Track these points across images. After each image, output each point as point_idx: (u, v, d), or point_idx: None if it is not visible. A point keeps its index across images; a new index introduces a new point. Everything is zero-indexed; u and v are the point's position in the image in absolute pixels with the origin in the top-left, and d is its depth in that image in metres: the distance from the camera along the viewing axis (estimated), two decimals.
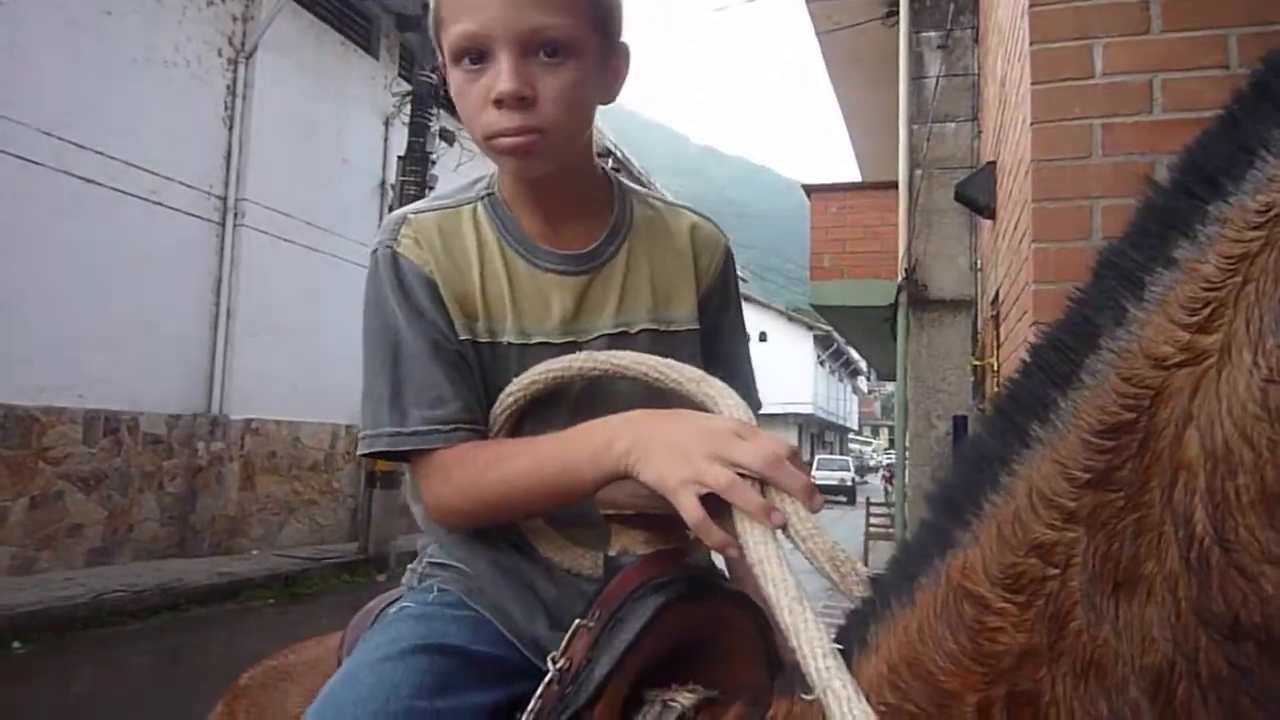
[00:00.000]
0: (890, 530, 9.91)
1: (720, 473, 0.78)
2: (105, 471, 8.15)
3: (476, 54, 0.95)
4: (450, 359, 1.00)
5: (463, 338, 1.01)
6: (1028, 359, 0.57)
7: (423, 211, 1.06)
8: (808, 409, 41.70)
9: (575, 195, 1.08)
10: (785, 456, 0.79)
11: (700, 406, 0.90)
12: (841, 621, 0.71)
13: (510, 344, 1.04)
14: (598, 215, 1.10)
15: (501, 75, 0.93)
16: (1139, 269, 0.50)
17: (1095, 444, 0.50)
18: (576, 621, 0.86)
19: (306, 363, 10.09)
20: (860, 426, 65.55)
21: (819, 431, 48.52)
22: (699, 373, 0.93)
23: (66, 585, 7.03)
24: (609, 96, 1.06)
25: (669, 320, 1.10)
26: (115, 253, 8.07)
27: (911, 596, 0.61)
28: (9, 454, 7.25)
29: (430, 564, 1.11)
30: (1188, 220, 0.48)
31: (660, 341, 1.08)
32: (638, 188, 1.17)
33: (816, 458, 36.36)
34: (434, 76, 9.74)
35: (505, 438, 1.02)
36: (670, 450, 0.82)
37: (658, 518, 0.83)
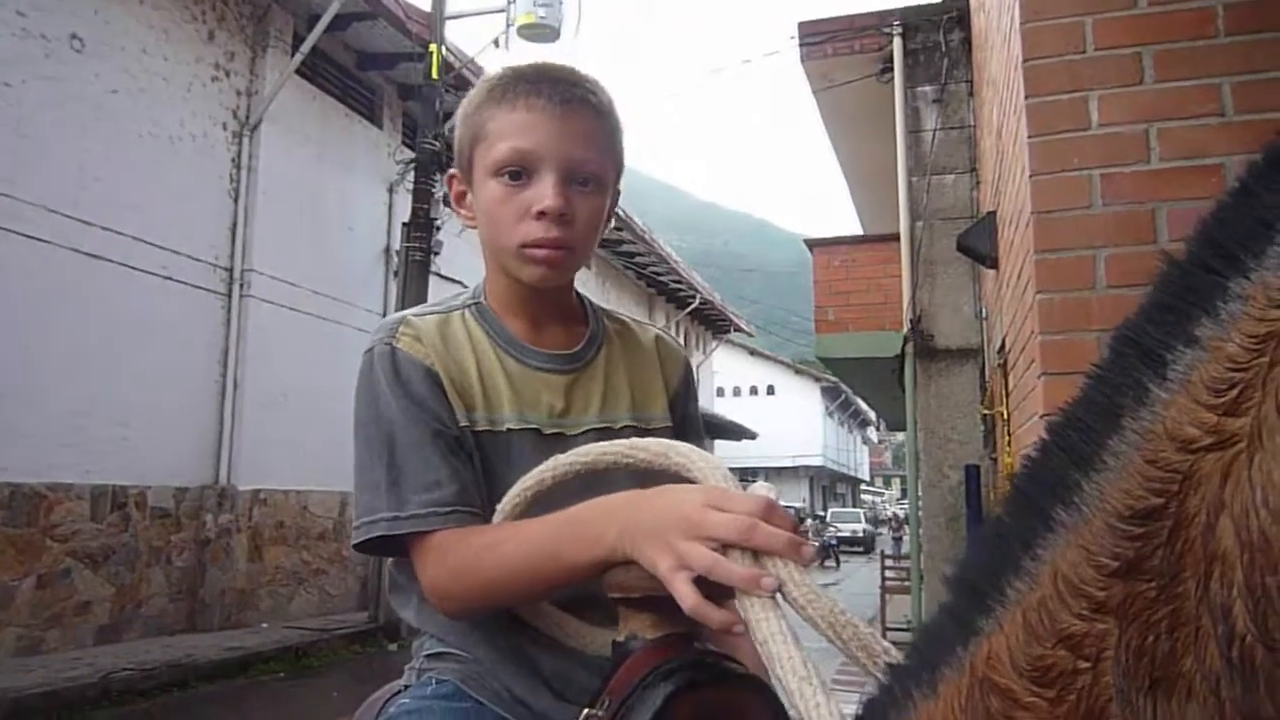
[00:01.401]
0: (906, 583, 9.77)
1: (700, 553, 0.77)
2: (113, 547, 8.09)
3: (519, 171, 1.07)
4: (448, 445, 1.04)
5: (461, 424, 1.06)
6: (1047, 437, 0.54)
7: (418, 315, 1.14)
8: (818, 461, 41.52)
9: (558, 306, 1.19)
10: (760, 516, 0.78)
11: (675, 475, 0.90)
12: (858, 710, 0.67)
13: (510, 430, 1.09)
14: (575, 324, 1.21)
15: (549, 193, 1.05)
16: (1160, 346, 0.47)
17: (1122, 530, 0.47)
18: (585, 711, 0.85)
19: (313, 431, 10.07)
20: (872, 477, 65.17)
21: (830, 483, 48.23)
22: (663, 443, 0.94)
23: (74, 665, 6.94)
24: (607, 230, 1.23)
25: (648, 419, 1.19)
26: (121, 327, 8.11)
27: (934, 686, 0.57)
28: (15, 533, 7.20)
29: (426, 657, 1.11)
30: (1208, 297, 0.45)
31: (641, 437, 1.12)
32: (603, 306, 1.30)
33: (830, 511, 36.33)
34: (436, 143, 9.87)
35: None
36: (652, 537, 0.82)
37: (665, 599, 0.81)
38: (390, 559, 1.11)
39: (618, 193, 1.21)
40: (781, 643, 0.70)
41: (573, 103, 1.08)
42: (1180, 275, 0.48)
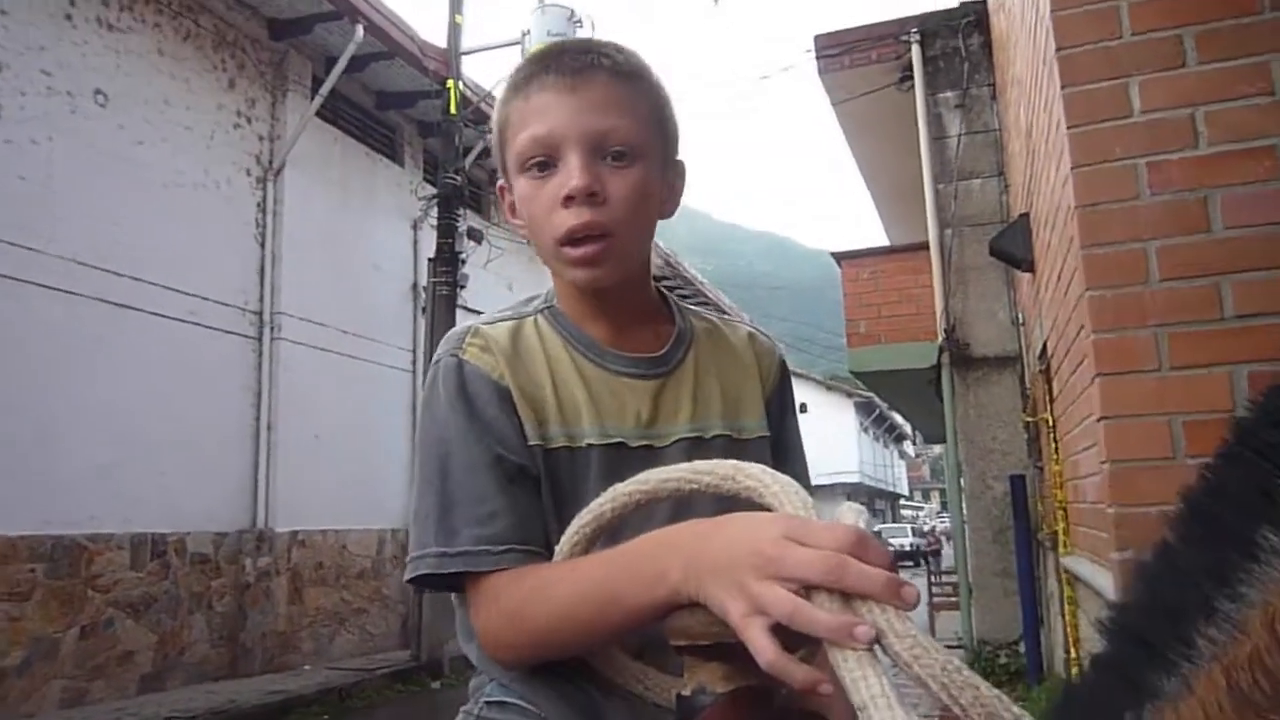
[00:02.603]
0: (953, 599, 9.56)
1: (778, 596, 0.64)
2: (154, 595, 8.08)
3: (544, 159, 0.97)
4: (509, 472, 0.93)
5: (532, 443, 0.95)
6: (1234, 438, 0.42)
7: (489, 323, 1.03)
8: (855, 477, 41.09)
9: (636, 306, 1.07)
10: (850, 550, 0.63)
11: (747, 504, 0.76)
12: None
13: (591, 445, 0.97)
14: (659, 325, 1.08)
15: (572, 173, 0.94)
16: None
17: None
18: None
19: (349, 470, 10.06)
20: (910, 491, 64.42)
21: (869, 499, 47.72)
22: (731, 464, 0.79)
23: (119, 715, 6.92)
24: (667, 211, 1.06)
25: (740, 428, 1.07)
26: (154, 374, 8.14)
27: None
28: (58, 584, 7.20)
29: (487, 703, 0.99)
30: None
31: (734, 448, 1.02)
32: (690, 307, 1.16)
33: (879, 528, 36.10)
34: (458, 178, 9.90)
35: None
36: (721, 577, 0.69)
37: (739, 648, 0.66)
38: (454, 593, 0.99)
39: (678, 165, 1.07)
40: (886, 708, 0.57)
41: (585, 70, 0.97)
42: None
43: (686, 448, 1.00)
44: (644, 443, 1.00)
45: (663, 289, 1.13)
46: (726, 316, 1.19)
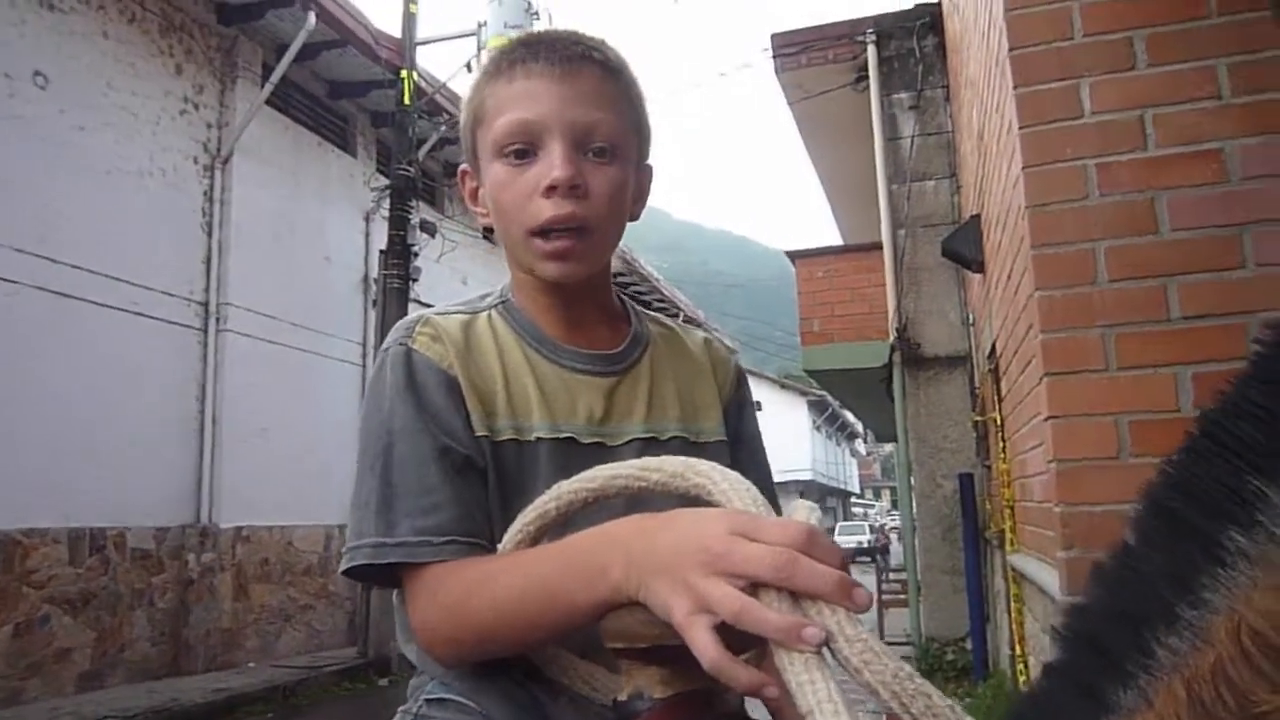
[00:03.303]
0: (902, 596, 9.65)
1: (726, 594, 0.60)
2: (93, 591, 7.88)
3: (524, 147, 0.95)
4: (455, 463, 0.90)
5: (479, 434, 0.93)
6: (1199, 432, 0.39)
7: (441, 314, 1.01)
8: (807, 475, 41.42)
9: (594, 306, 1.06)
10: (801, 547, 0.61)
11: (696, 500, 0.73)
12: None
13: (540, 439, 0.95)
14: (616, 324, 1.07)
15: (556, 164, 0.92)
16: None
17: None
18: None
19: (296, 465, 9.90)
20: (862, 489, 65.09)
21: (821, 497, 48.12)
22: (681, 461, 0.76)
23: (55, 714, 6.73)
24: (636, 213, 1.05)
25: (698, 431, 1.05)
26: (95, 365, 7.94)
27: None
28: None
29: (427, 701, 0.95)
30: None
31: (691, 451, 0.98)
32: (647, 310, 1.16)
33: (838, 525, 36.85)
34: (411, 169, 9.78)
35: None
36: (666, 574, 0.65)
37: (679, 650, 0.63)
38: (395, 590, 0.95)
39: (648, 168, 1.06)
40: (833, 714, 0.54)
41: (575, 61, 0.95)
42: None
43: (640, 448, 0.98)
44: (596, 440, 0.98)
45: (622, 295, 1.12)
46: (682, 323, 1.18)
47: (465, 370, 0.95)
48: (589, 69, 0.96)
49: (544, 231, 0.94)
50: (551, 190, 0.92)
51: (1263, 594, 0.35)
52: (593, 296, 1.05)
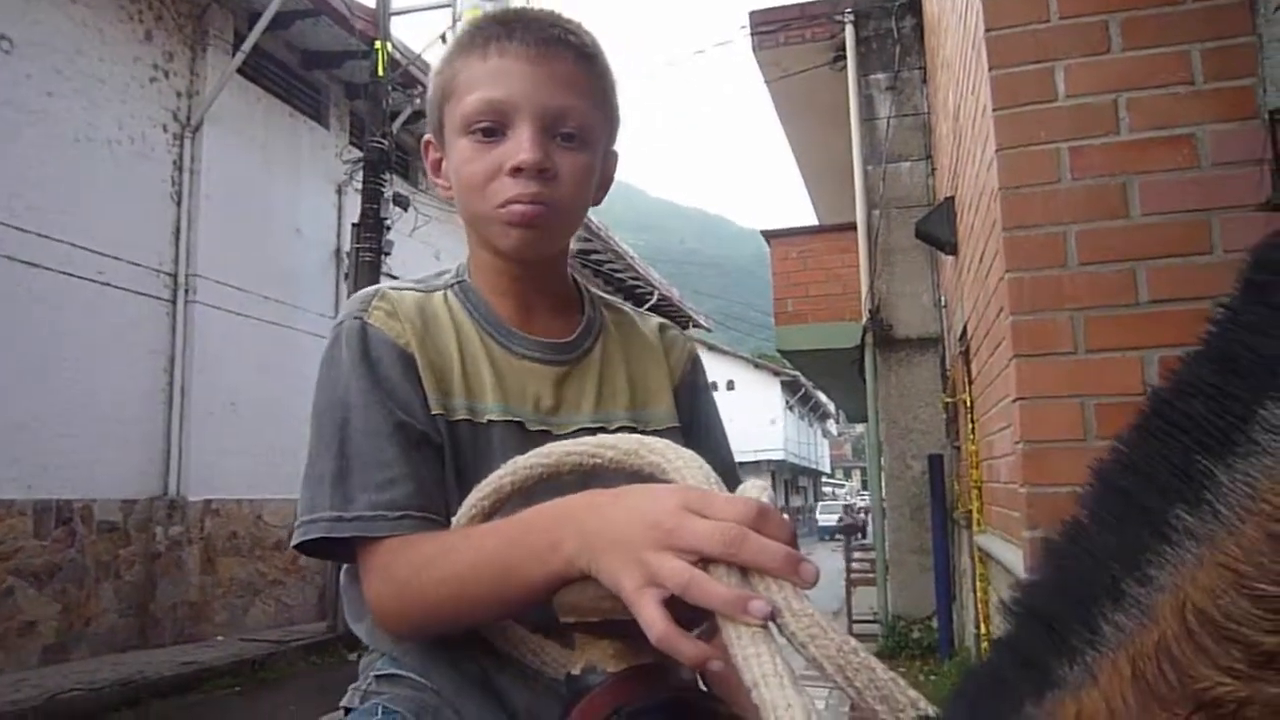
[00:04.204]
0: (870, 575, 9.74)
1: (675, 568, 0.61)
2: (59, 564, 7.81)
3: (492, 125, 0.94)
4: (411, 438, 0.90)
5: (435, 412, 0.93)
6: (1150, 411, 0.40)
7: (397, 289, 1.01)
8: (779, 455, 41.66)
9: (549, 289, 1.06)
10: (750, 523, 0.62)
11: (650, 477, 0.74)
12: None
13: (492, 421, 0.95)
14: (570, 312, 1.07)
15: (524, 145, 0.92)
16: None
17: None
18: None
19: (265, 438, 9.83)
20: (833, 469, 65.57)
21: (792, 477, 48.44)
22: (635, 439, 0.78)
23: (18, 687, 6.67)
24: (599, 198, 1.06)
25: (647, 419, 1.05)
26: (62, 335, 7.83)
27: None
28: None
29: (376, 678, 0.95)
30: None
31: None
32: (601, 294, 1.16)
33: (818, 505, 37.38)
34: (385, 142, 9.68)
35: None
36: (616, 548, 0.66)
37: (631, 625, 0.64)
38: (344, 565, 0.96)
39: (614, 155, 1.06)
40: (778, 688, 0.55)
41: (551, 44, 0.95)
42: None
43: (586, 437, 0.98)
44: (542, 428, 0.98)
45: (577, 279, 1.12)
46: (638, 309, 1.19)
47: (422, 348, 0.95)
48: (564, 52, 0.95)
49: (506, 205, 0.94)
50: (518, 171, 0.92)
51: (1207, 572, 0.35)
52: (549, 282, 1.05)
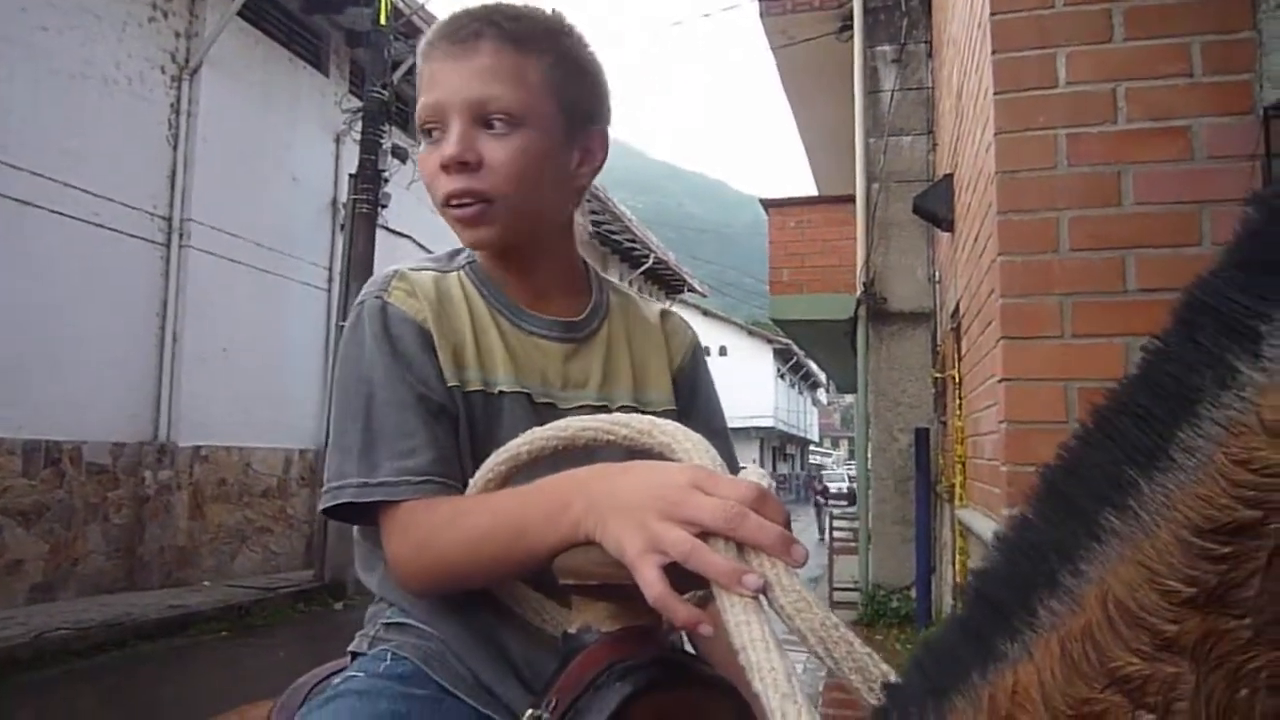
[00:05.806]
0: (853, 544, 9.85)
1: (678, 537, 0.68)
2: (47, 504, 7.86)
3: (433, 127, 1.00)
4: (431, 410, 0.96)
5: (450, 384, 0.98)
6: (1090, 424, 0.45)
7: (415, 269, 1.06)
8: (769, 422, 41.82)
9: (555, 273, 1.10)
10: (751, 504, 0.68)
11: (659, 456, 0.80)
12: None
13: (503, 393, 1.01)
14: (577, 295, 1.12)
15: (448, 141, 0.97)
16: (1250, 316, 0.37)
17: (1200, 548, 0.38)
18: (529, 712, 0.76)
19: (256, 386, 9.85)
20: (821, 438, 65.90)
21: (780, 444, 48.70)
22: (648, 419, 0.84)
23: (6, 625, 6.74)
24: (578, 179, 1.07)
25: (647, 401, 1.10)
26: (54, 276, 7.81)
27: (942, 718, 0.48)
28: None
29: (385, 625, 1.01)
30: None
31: None
32: (608, 278, 1.20)
33: (825, 473, 37.78)
34: (385, 92, 9.60)
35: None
36: (623, 515, 0.72)
37: (626, 589, 0.70)
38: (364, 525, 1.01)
39: (595, 132, 1.07)
40: (763, 651, 0.61)
41: (469, 39, 0.99)
42: (1274, 226, 0.39)
43: (590, 414, 1.02)
44: (548, 400, 1.03)
45: (586, 261, 1.16)
46: (643, 295, 1.23)
47: (438, 324, 0.99)
48: (485, 44, 0.98)
49: (446, 203, 1.00)
50: (445, 168, 0.98)
51: (1127, 568, 0.40)
52: (550, 263, 1.09)
